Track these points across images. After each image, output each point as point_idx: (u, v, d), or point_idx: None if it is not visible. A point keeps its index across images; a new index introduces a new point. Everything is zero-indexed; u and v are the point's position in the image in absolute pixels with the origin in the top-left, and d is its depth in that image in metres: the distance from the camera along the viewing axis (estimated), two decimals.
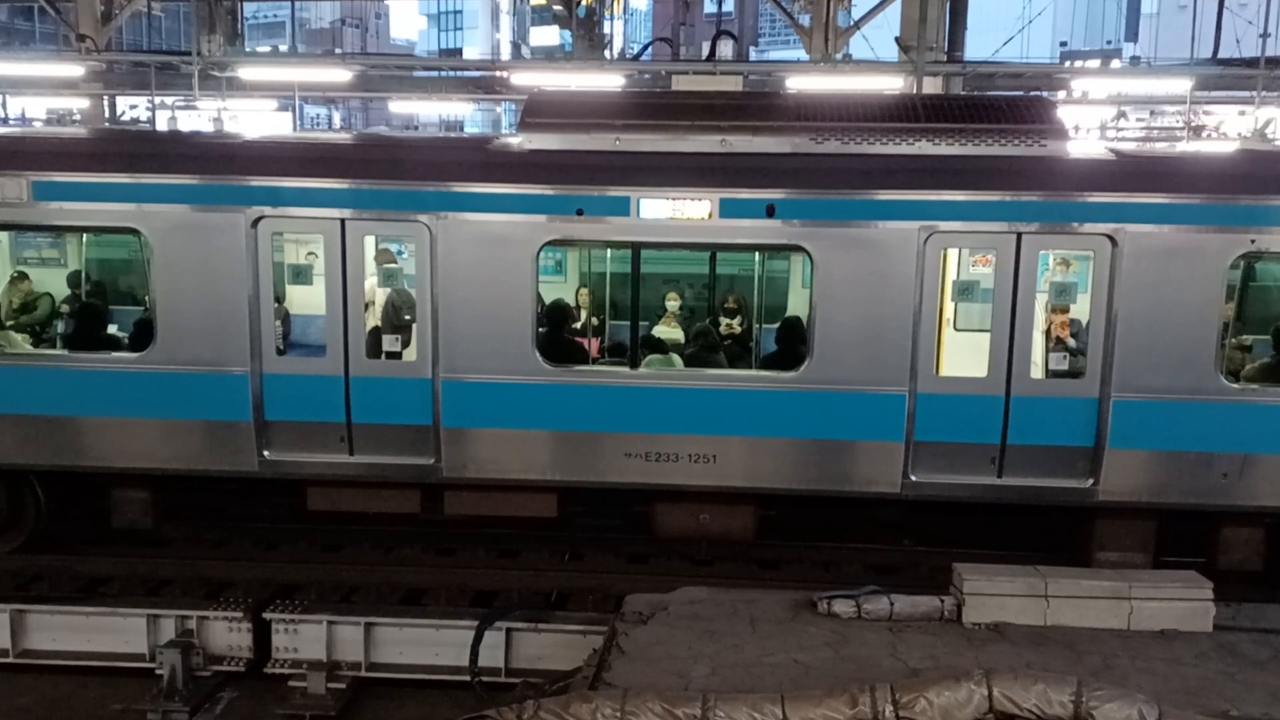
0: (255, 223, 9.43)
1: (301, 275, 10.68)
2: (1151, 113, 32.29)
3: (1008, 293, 9.17)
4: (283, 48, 56.07)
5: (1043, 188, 9.07)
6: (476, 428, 9.58)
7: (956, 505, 9.68)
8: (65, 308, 11.58)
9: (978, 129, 9.38)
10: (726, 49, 19.69)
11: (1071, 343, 9.84)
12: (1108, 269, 9.04)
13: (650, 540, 10.39)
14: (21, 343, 10.50)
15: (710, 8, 59.82)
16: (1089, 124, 30.08)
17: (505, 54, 66.66)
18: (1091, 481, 9.30)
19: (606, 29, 34.66)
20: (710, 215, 9.20)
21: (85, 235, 11.61)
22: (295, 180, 9.43)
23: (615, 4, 41.51)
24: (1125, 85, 26.67)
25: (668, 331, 11.19)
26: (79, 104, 28.08)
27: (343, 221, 9.42)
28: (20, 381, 9.78)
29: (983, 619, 7.17)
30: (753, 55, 63.15)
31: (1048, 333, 9.76)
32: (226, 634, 9.13)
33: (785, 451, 9.46)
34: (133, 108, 29.54)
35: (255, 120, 24.97)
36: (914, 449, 9.34)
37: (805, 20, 21.31)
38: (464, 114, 44.73)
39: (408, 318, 10.25)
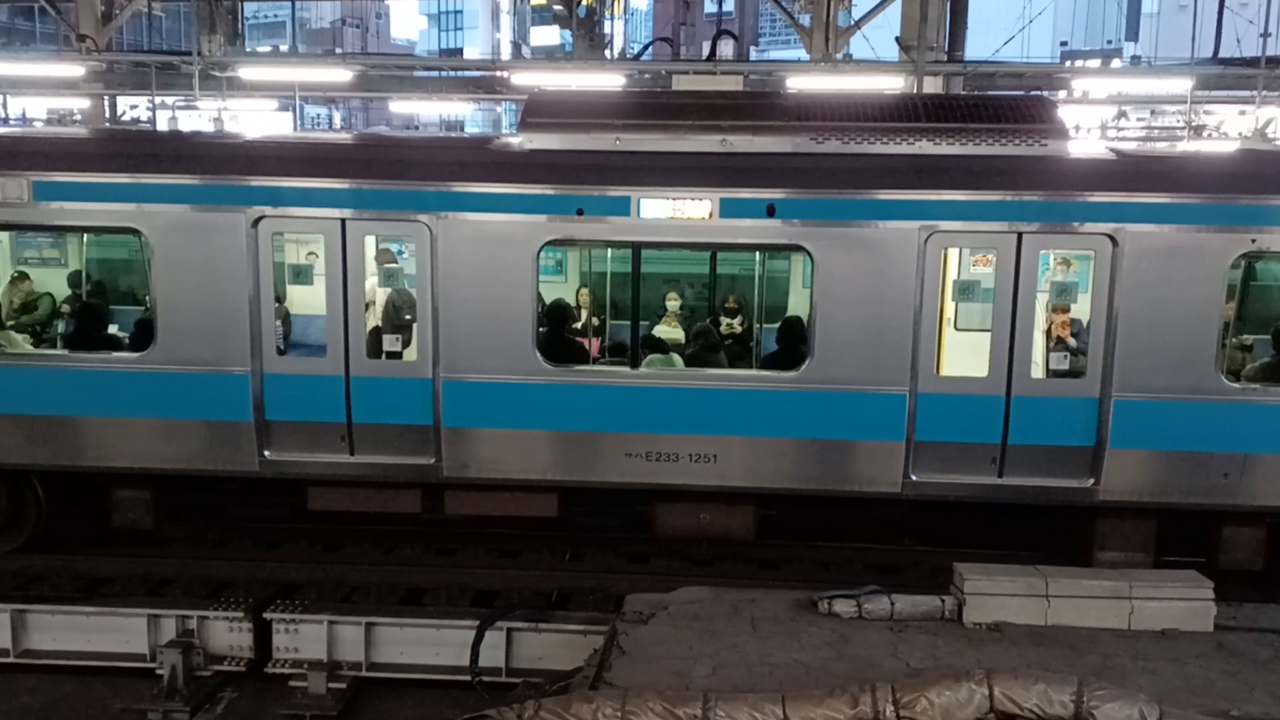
0: (256, 223, 9.43)
1: (302, 275, 10.67)
2: (1152, 112, 32.29)
3: (1008, 292, 9.17)
4: (283, 48, 56.07)
5: (1043, 187, 9.07)
6: (477, 427, 9.58)
7: (957, 505, 9.67)
8: (66, 308, 11.57)
9: (978, 129, 9.37)
10: (727, 49, 19.69)
11: (1072, 342, 9.83)
12: (1108, 269, 9.03)
13: (651, 540, 10.39)
14: (22, 343, 10.49)
15: (710, 7, 59.80)
16: (1090, 124, 30.09)
17: (506, 54, 66.62)
18: (1092, 481, 9.29)
19: (607, 29, 34.67)
20: (711, 215, 9.19)
21: (86, 235, 11.60)
22: (296, 180, 9.43)
23: (616, 4, 41.52)
24: (1126, 85, 26.66)
25: (668, 331, 11.19)
26: (79, 104, 28.09)
27: (343, 221, 9.42)
28: (21, 381, 9.78)
29: (983, 619, 7.18)
30: (753, 55, 63.13)
31: (1048, 332, 9.75)
32: (227, 634, 9.14)
33: (786, 451, 9.46)
34: (133, 108, 29.54)
35: (256, 120, 24.98)
36: (914, 449, 9.34)
37: (805, 20, 21.31)
38: (464, 114, 44.72)
39: (408, 317, 10.25)
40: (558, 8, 30.25)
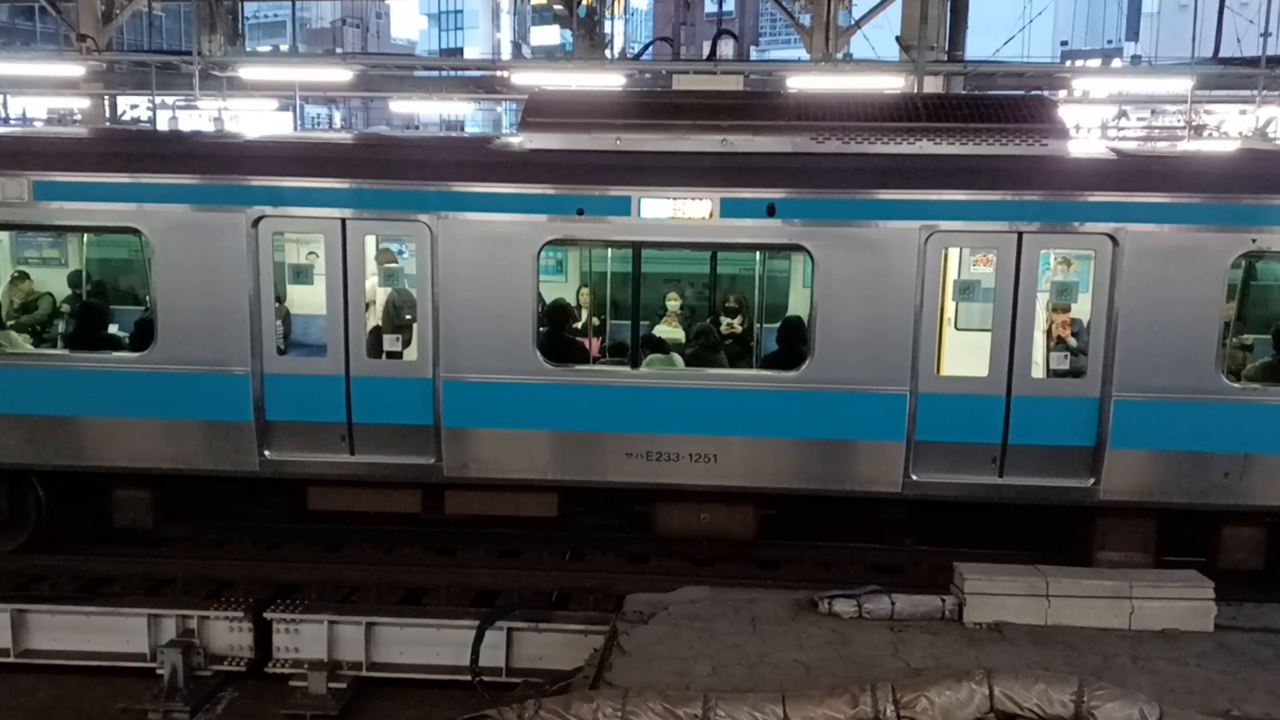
0: (256, 222, 9.43)
1: (302, 275, 10.67)
2: (1152, 112, 32.29)
3: (1009, 292, 9.17)
4: (283, 47, 56.09)
5: (1044, 187, 9.07)
6: (477, 427, 9.58)
7: (957, 505, 9.67)
8: (66, 307, 11.57)
9: (979, 128, 9.37)
10: (727, 48, 19.70)
11: (1072, 342, 9.83)
12: (1109, 268, 9.03)
13: (651, 540, 10.39)
14: (22, 342, 10.49)
15: (711, 7, 59.82)
16: (1090, 123, 30.09)
17: (506, 54, 66.62)
18: (1092, 481, 9.29)
19: (607, 29, 34.66)
20: (711, 215, 9.19)
21: (86, 235, 11.60)
22: (296, 180, 9.43)
23: (616, 3, 41.51)
24: (1126, 85, 26.67)
25: (668, 331, 11.18)
26: (80, 104, 28.10)
27: (343, 221, 9.42)
28: (21, 381, 9.78)
29: (984, 618, 7.18)
30: (753, 55, 63.16)
31: (1049, 332, 9.76)
32: (227, 634, 9.13)
33: (786, 451, 9.46)
34: (133, 107, 29.55)
35: (256, 120, 24.98)
36: (915, 448, 9.33)
37: (806, 20, 21.31)
38: (465, 114, 44.72)
39: (408, 317, 10.25)
40: (558, 7, 30.29)
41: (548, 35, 68.28)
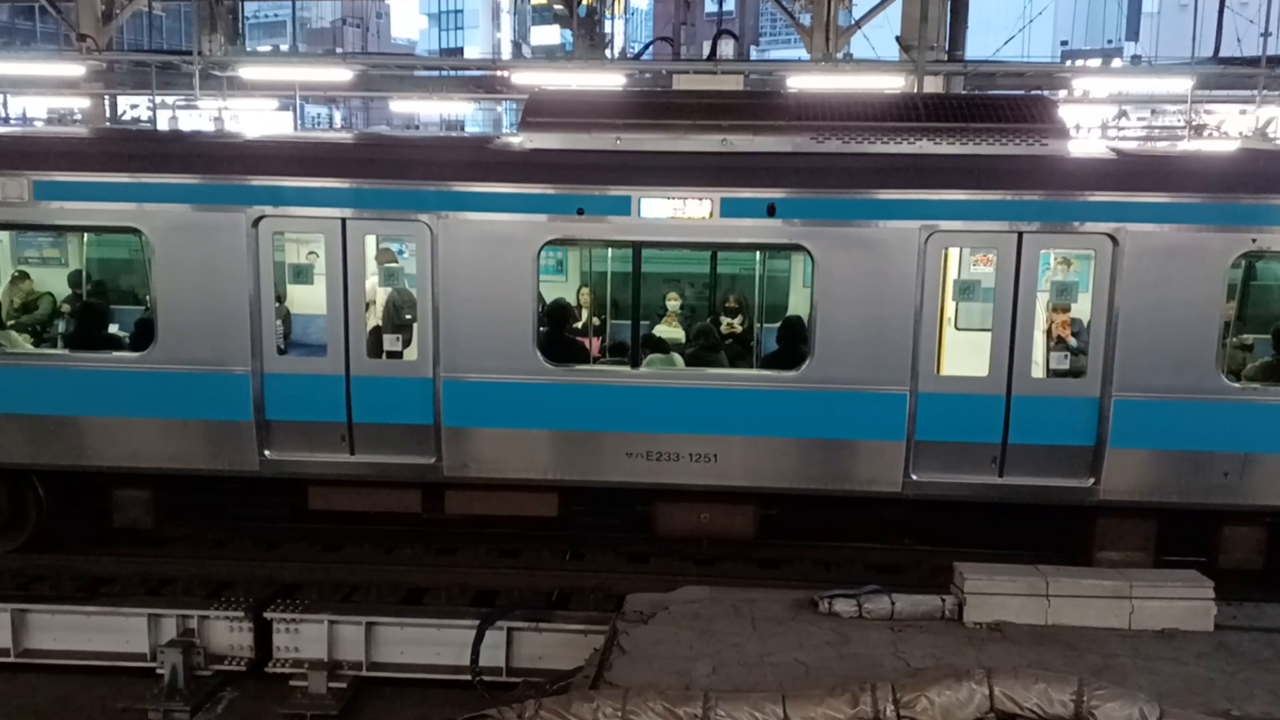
0: (256, 222, 9.43)
1: (302, 275, 10.67)
2: (1153, 112, 32.28)
3: (1009, 292, 9.17)
4: (283, 47, 56.08)
5: (1044, 187, 9.07)
6: (477, 427, 9.58)
7: (957, 504, 9.67)
8: (66, 307, 11.57)
9: (979, 128, 9.37)
10: (727, 48, 19.70)
11: (1072, 342, 9.83)
12: (1109, 268, 9.03)
13: (651, 540, 10.38)
14: (22, 342, 10.49)
15: (711, 7, 59.79)
16: (1090, 123, 30.09)
17: (506, 53, 66.60)
18: (1092, 481, 9.29)
19: (607, 28, 34.67)
20: (711, 214, 9.19)
21: (86, 235, 11.60)
22: (296, 180, 9.43)
23: (616, 3, 41.51)
24: (1126, 84, 26.68)
25: (669, 331, 11.18)
26: (80, 103, 28.10)
27: (344, 221, 9.42)
28: (21, 381, 9.78)
29: (984, 618, 7.18)
30: (754, 55, 63.15)
31: (1049, 332, 9.75)
32: (228, 633, 9.13)
33: (786, 451, 9.45)
34: (134, 107, 29.56)
35: (256, 120, 24.97)
36: (915, 448, 9.33)
37: (806, 19, 21.32)
38: (465, 113, 44.72)
39: (408, 317, 10.25)
40: (558, 7, 30.29)
41: (548, 35, 68.27)
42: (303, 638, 9.02)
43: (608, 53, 31.99)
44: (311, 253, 10.68)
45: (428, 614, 9.30)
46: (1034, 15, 32.18)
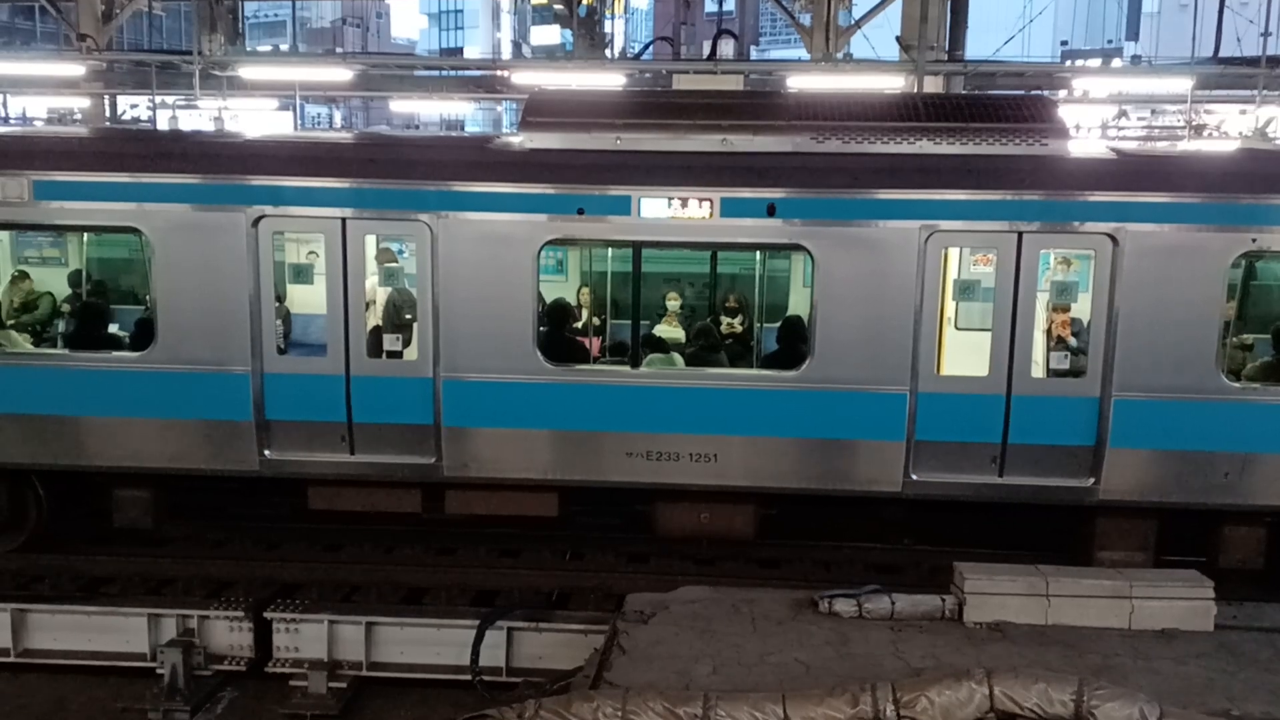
0: (256, 222, 9.43)
1: (302, 274, 10.67)
2: (1153, 112, 32.28)
3: (1009, 292, 9.17)
4: (283, 47, 56.09)
5: (1044, 187, 9.07)
6: (477, 427, 9.58)
7: (958, 504, 9.67)
8: (66, 307, 11.57)
9: (979, 128, 9.37)
10: (727, 48, 19.70)
11: (1072, 342, 9.83)
12: (1109, 268, 9.03)
13: (651, 539, 10.38)
14: (22, 342, 10.49)
15: (711, 7, 59.75)
16: (1090, 123, 30.09)
17: (506, 53, 66.63)
18: (1092, 480, 9.29)
19: (607, 28, 34.68)
20: (711, 214, 9.19)
21: (86, 234, 11.60)
22: (296, 179, 9.43)
23: (616, 3, 41.54)
24: (1126, 84, 26.68)
25: (669, 331, 11.18)
26: (80, 103, 28.09)
27: (344, 221, 9.42)
28: (21, 381, 9.78)
29: (984, 618, 7.18)
30: (754, 54, 63.19)
31: (1049, 332, 9.75)
32: (227, 633, 9.14)
33: (786, 451, 9.45)
34: (134, 107, 29.56)
35: (256, 119, 24.97)
36: (915, 448, 9.33)
37: (806, 19, 21.32)
38: (465, 113, 44.72)
39: (409, 317, 10.25)
40: (558, 7, 30.30)
41: (548, 35, 68.30)
42: (303, 638, 9.02)
43: (608, 53, 31.99)
44: (311, 252, 10.68)
45: (428, 614, 9.31)
46: (1034, 15, 32.18)
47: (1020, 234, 9.07)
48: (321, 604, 9.41)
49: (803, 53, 22.89)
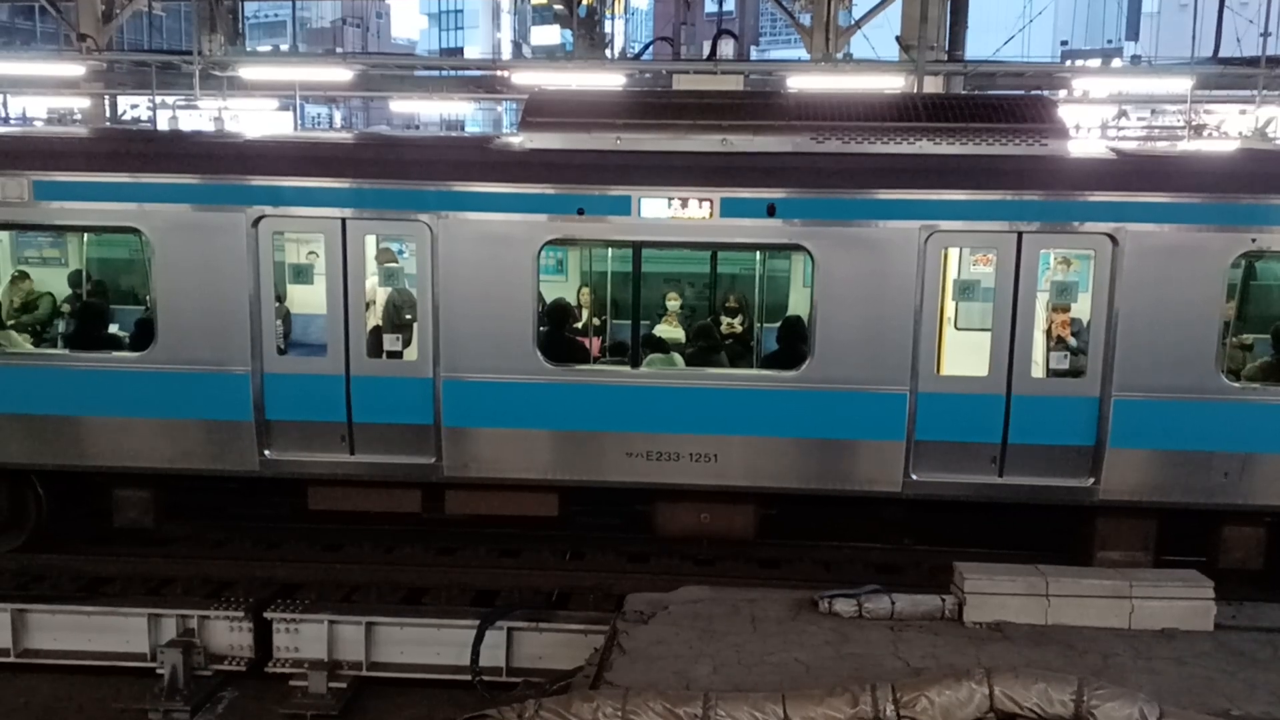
0: (256, 222, 9.43)
1: (302, 274, 10.67)
2: (1152, 112, 32.28)
3: (1009, 292, 9.17)
4: (284, 47, 56.07)
5: (1044, 187, 9.07)
6: (478, 427, 9.58)
7: (957, 504, 9.67)
8: (66, 307, 11.56)
9: (978, 128, 9.37)
10: (727, 48, 19.71)
11: (1072, 342, 9.83)
12: (1109, 268, 9.04)
13: (651, 539, 10.39)
14: (22, 342, 10.49)
15: (711, 7, 59.79)
16: (1090, 123, 30.08)
17: (506, 53, 66.60)
18: (1092, 480, 9.29)
19: (607, 28, 34.67)
20: (711, 214, 9.19)
21: (86, 235, 11.60)
22: (296, 180, 9.43)
23: (616, 3, 41.53)
24: (1126, 84, 26.67)
25: (669, 331, 11.19)
26: (80, 103, 28.07)
27: (344, 221, 9.42)
28: (21, 381, 9.78)
29: (984, 618, 7.18)
30: (754, 55, 63.16)
31: (1049, 332, 9.76)
32: (228, 633, 9.14)
33: (786, 451, 9.46)
34: (134, 107, 29.54)
35: (256, 120, 24.96)
36: (915, 448, 9.34)
37: (806, 19, 21.32)
38: (465, 113, 44.73)
39: (409, 317, 10.25)
40: (558, 7, 30.28)
41: (548, 35, 68.27)
42: (303, 638, 9.02)
43: (608, 53, 31.98)
44: (311, 253, 10.69)
45: (428, 614, 9.30)
46: (1034, 15, 32.18)
47: (1020, 234, 9.07)
48: (321, 604, 9.41)
49: (803, 53, 22.90)
